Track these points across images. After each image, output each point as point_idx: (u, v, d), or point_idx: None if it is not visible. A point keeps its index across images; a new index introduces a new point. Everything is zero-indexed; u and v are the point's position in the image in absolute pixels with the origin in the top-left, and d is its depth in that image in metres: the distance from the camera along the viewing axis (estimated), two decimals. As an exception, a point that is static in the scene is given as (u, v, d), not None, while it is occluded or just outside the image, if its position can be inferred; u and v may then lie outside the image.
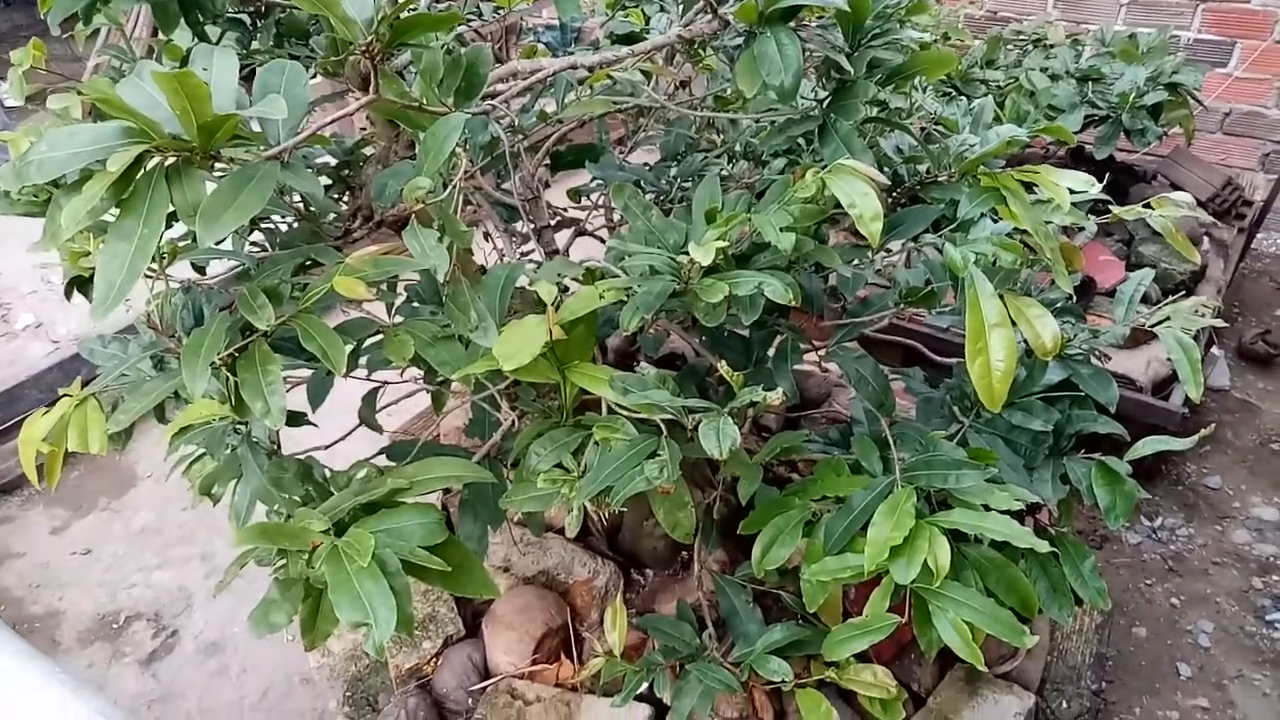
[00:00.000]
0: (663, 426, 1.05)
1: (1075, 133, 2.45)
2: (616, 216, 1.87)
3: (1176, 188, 2.89)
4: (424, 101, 0.97)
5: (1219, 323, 1.29)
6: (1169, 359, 1.29)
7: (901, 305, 1.13)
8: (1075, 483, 1.22)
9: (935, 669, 1.58)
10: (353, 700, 1.80)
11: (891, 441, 1.15)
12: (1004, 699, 1.52)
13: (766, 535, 1.15)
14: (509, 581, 1.78)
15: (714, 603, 1.36)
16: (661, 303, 1.03)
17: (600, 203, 1.82)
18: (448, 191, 0.93)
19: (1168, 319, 1.29)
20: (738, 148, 1.95)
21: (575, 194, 1.91)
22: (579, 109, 1.24)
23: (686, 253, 1.09)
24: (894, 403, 1.19)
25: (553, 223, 1.63)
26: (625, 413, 1.09)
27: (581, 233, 1.75)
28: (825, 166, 1.07)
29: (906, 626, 1.21)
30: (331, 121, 0.89)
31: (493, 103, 1.06)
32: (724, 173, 1.90)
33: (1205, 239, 2.83)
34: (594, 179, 1.87)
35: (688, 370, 1.64)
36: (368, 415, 1.46)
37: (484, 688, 1.58)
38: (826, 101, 1.12)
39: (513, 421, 1.36)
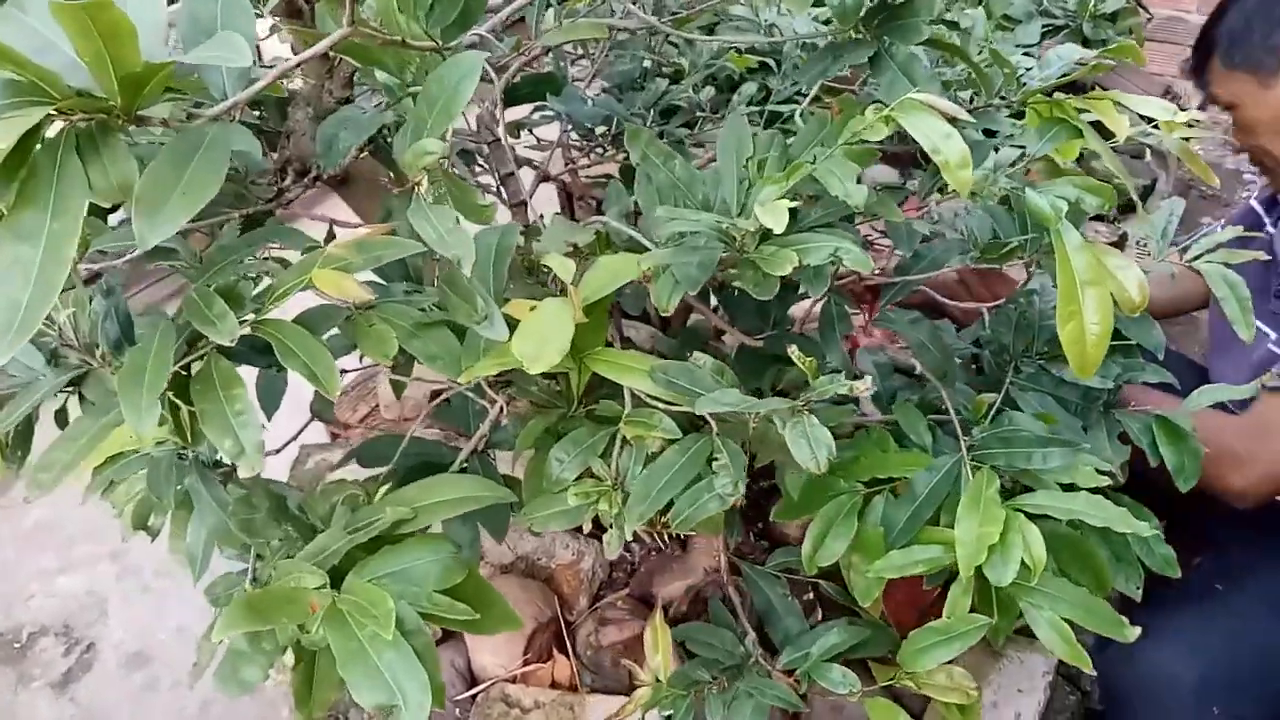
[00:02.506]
0: (710, 420, 0.89)
1: (1033, 45, 2.34)
2: (584, 159, 1.66)
3: (1116, 100, 2.83)
4: (406, 36, 0.75)
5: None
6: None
7: (976, 260, 0.98)
8: (1135, 441, 1.12)
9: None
10: (313, 713, 1.62)
11: (952, 412, 1.01)
12: (1029, 658, 1.45)
13: (817, 527, 1.01)
14: (485, 571, 1.61)
15: (741, 593, 1.23)
16: (708, 275, 0.86)
17: (562, 141, 1.60)
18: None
19: (1208, 252, 1.19)
20: (693, 72, 1.76)
21: (516, 129, 1.68)
22: (564, 34, 1.03)
23: (729, 213, 0.92)
24: (956, 371, 1.06)
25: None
26: (656, 402, 0.93)
27: (545, 179, 1.53)
28: (874, 101, 0.91)
29: (926, 593, 1.10)
30: (297, 65, 0.67)
31: (480, 33, 0.85)
32: (686, 100, 1.71)
33: (1148, 151, 2.79)
34: (536, 111, 1.65)
35: (687, 334, 1.48)
36: (323, 408, 1.25)
37: (473, 696, 1.42)
38: (876, 21, 0.94)
39: (500, 407, 1.17)
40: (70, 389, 1.29)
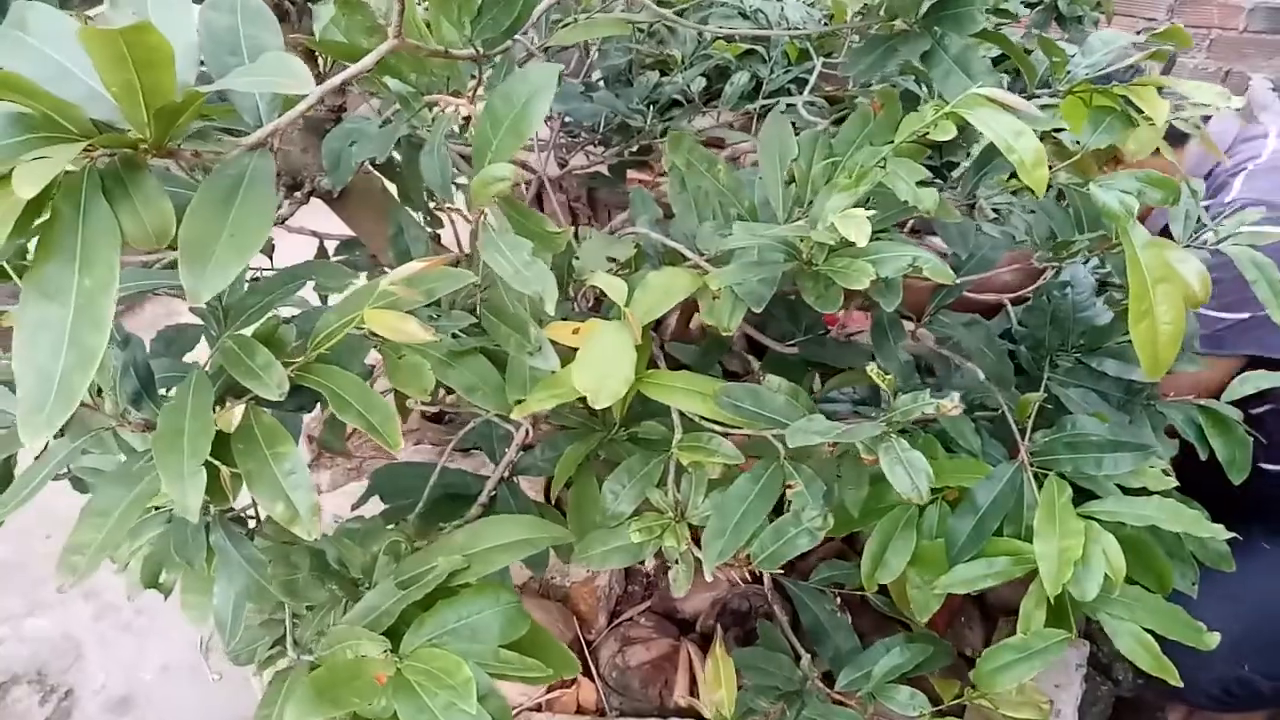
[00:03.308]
0: (777, 444, 0.83)
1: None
2: (575, 159, 1.59)
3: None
4: (448, 46, 0.68)
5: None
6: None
7: (1041, 259, 0.94)
8: (1181, 433, 1.10)
9: (982, 629, 1.48)
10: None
11: (1010, 417, 0.97)
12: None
13: (875, 542, 0.97)
14: (497, 595, 1.54)
15: (787, 608, 1.18)
16: (772, 291, 0.81)
17: (556, 141, 1.53)
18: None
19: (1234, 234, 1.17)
20: (685, 62, 1.70)
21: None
22: (583, 31, 0.96)
23: (775, 219, 0.87)
24: (1012, 375, 1.02)
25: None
26: (709, 423, 0.87)
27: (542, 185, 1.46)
28: (922, 95, 0.86)
29: (956, 596, 1.07)
30: (343, 83, 0.59)
31: (518, 38, 0.78)
32: (681, 93, 1.65)
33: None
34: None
35: (711, 342, 1.42)
36: (331, 440, 1.17)
37: (497, 729, 1.35)
38: (927, 11, 0.89)
39: (526, 431, 1.11)
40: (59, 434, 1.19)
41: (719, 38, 1.64)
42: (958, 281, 1.02)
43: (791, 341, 1.13)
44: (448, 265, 0.66)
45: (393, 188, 1.19)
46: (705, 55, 1.67)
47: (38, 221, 0.52)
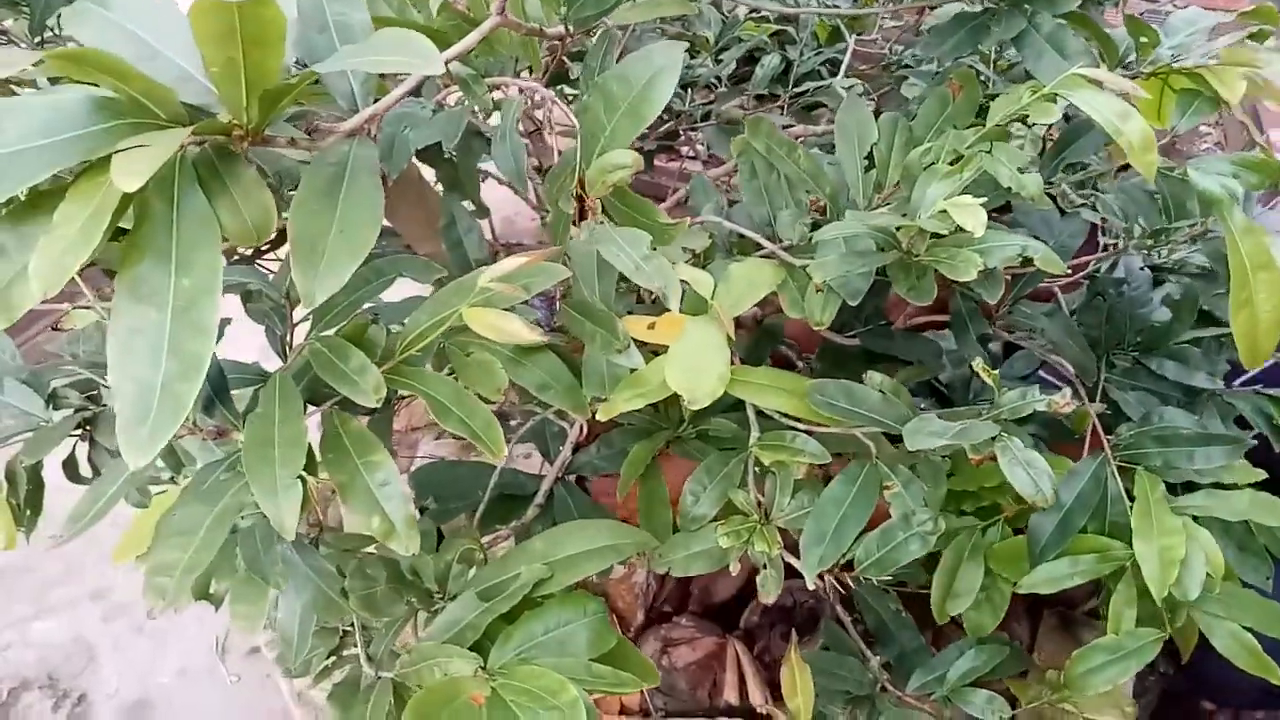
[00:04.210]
0: (868, 442, 0.80)
1: None
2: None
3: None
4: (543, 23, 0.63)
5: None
6: None
7: (1138, 246, 0.91)
8: (1251, 423, 1.07)
9: (1029, 621, 1.45)
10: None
11: (1092, 411, 0.94)
12: (1108, 643, 1.41)
13: (949, 562, 0.93)
14: (533, 594, 1.50)
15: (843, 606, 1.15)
16: (869, 283, 0.77)
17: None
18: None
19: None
20: (716, 44, 1.65)
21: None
22: (644, 10, 0.91)
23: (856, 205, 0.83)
24: (1095, 366, 0.98)
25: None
26: (788, 419, 0.84)
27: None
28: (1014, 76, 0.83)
29: None
30: (449, 61, 0.55)
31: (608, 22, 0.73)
32: (713, 76, 1.61)
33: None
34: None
35: (763, 331, 1.38)
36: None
37: (540, 732, 1.32)
38: (1012, -12, 0.85)
39: (581, 428, 1.07)
40: (78, 433, 1.14)
41: (750, 18, 1.59)
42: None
43: (851, 332, 1.09)
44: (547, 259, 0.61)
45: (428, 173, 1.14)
46: (736, 37, 1.62)
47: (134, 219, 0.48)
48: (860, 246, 0.76)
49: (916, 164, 0.77)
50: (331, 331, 0.62)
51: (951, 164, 0.78)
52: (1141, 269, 1.12)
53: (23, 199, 0.48)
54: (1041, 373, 1.20)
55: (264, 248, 0.98)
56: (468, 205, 1.04)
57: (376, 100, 0.56)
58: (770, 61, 1.62)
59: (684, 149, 1.76)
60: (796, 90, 1.45)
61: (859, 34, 1.58)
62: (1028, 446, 0.69)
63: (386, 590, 0.72)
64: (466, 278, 0.62)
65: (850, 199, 0.88)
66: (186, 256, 0.47)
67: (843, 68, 1.44)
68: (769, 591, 0.79)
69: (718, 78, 1.59)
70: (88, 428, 1.11)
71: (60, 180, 0.47)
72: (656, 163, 1.75)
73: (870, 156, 0.88)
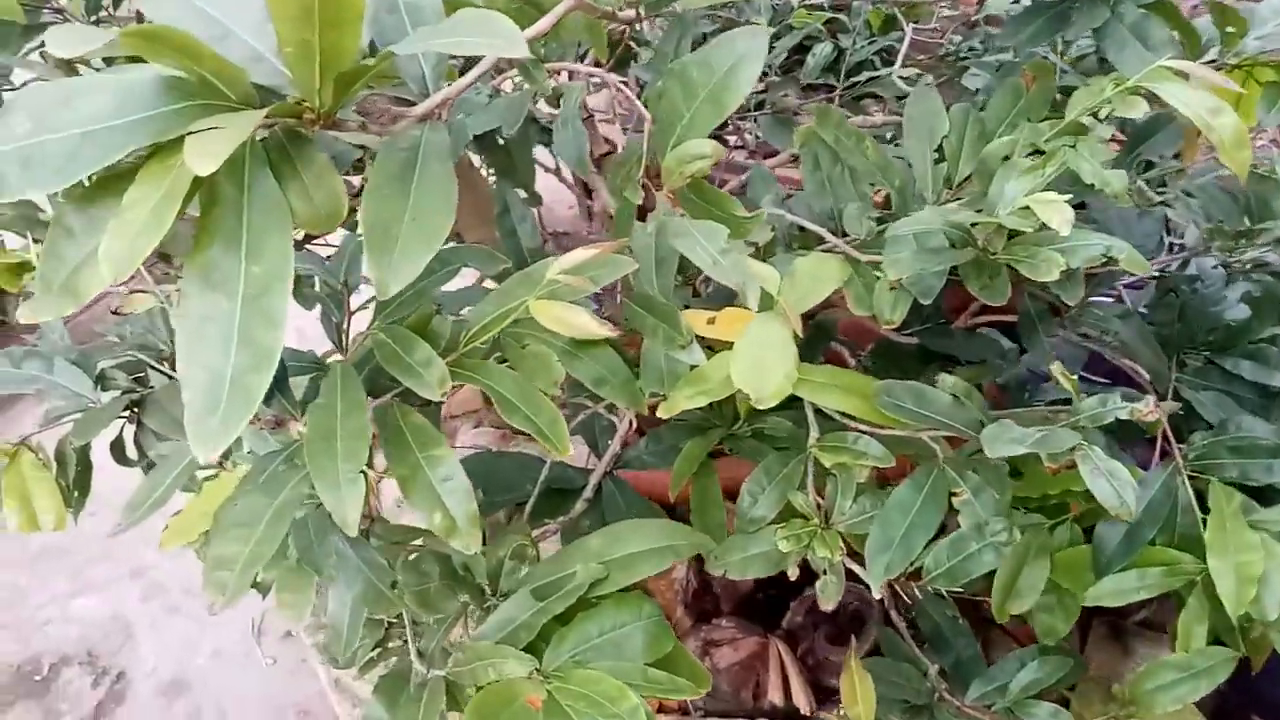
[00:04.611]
0: (934, 445, 0.77)
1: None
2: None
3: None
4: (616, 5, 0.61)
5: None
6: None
7: (1221, 248, 0.87)
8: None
9: (1077, 629, 1.42)
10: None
11: (1163, 417, 0.91)
12: (1159, 653, 1.38)
13: (1006, 570, 0.89)
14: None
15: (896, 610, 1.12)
16: (943, 282, 0.74)
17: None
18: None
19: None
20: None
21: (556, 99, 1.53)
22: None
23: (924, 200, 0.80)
24: (1168, 371, 0.95)
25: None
26: (849, 419, 0.81)
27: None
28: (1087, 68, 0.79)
29: None
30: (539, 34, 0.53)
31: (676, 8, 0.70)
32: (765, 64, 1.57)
33: None
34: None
35: (814, 327, 1.35)
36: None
37: (578, 727, 1.31)
38: (1095, -24, 0.82)
39: (630, 422, 1.05)
40: (126, 414, 1.14)
41: (803, 5, 1.56)
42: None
43: (910, 330, 1.06)
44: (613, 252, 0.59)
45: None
46: (787, 25, 1.59)
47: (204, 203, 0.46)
48: (933, 243, 0.73)
49: (995, 158, 0.74)
50: (395, 321, 0.61)
51: (1030, 158, 0.75)
52: (1214, 267, 1.09)
53: (88, 181, 0.47)
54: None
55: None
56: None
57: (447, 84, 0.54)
58: (823, 50, 1.59)
59: (731, 139, 1.73)
60: (853, 80, 1.42)
61: (915, 22, 1.54)
62: (1110, 455, 0.66)
63: (440, 586, 0.71)
64: (533, 269, 0.60)
65: (917, 192, 0.85)
66: (257, 242, 0.46)
67: (899, 57, 1.40)
68: (829, 598, 0.76)
69: (769, 66, 1.56)
70: (135, 410, 1.11)
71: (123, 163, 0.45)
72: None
73: (939, 149, 0.86)
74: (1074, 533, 0.96)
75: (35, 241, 0.81)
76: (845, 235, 0.84)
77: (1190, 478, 0.89)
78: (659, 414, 0.73)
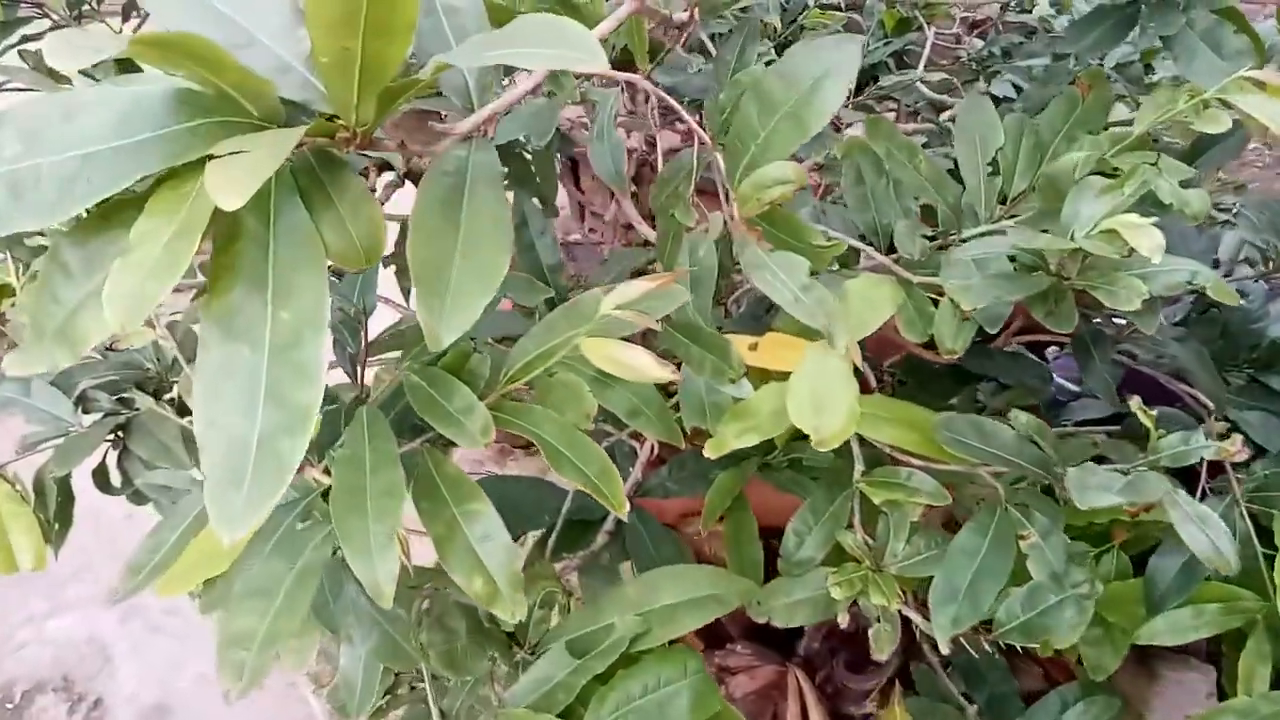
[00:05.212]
0: (995, 483, 0.72)
1: None
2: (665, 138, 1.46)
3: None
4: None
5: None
6: None
7: None
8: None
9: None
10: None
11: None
12: (1186, 677, 1.33)
13: None
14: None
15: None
16: (1011, 310, 0.69)
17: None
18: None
19: None
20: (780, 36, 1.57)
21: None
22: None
23: (976, 216, 0.75)
24: (1225, 395, 0.90)
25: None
26: (899, 452, 0.76)
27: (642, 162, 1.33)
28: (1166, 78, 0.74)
29: None
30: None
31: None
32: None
33: None
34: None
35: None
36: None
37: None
38: (1161, -20, 0.77)
39: (652, 448, 0.99)
40: (111, 438, 1.07)
41: (817, 4, 1.50)
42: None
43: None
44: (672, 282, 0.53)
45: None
46: (800, 25, 1.53)
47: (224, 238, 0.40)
48: (995, 268, 0.68)
49: (1065, 175, 0.68)
50: (429, 360, 0.55)
51: (1097, 174, 0.70)
52: (1256, 282, 1.05)
53: (89, 210, 0.40)
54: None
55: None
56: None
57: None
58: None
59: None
60: (880, 86, 1.36)
61: (933, 24, 1.49)
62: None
63: (468, 645, 0.65)
64: (580, 301, 0.54)
65: (968, 207, 0.80)
66: (285, 282, 0.39)
67: (922, 60, 1.35)
68: (882, 649, 0.71)
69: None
70: (119, 433, 1.04)
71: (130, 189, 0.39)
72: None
73: (992, 162, 0.80)
74: (1121, 562, 0.92)
75: (14, 260, 0.74)
76: (893, 254, 0.79)
77: (1248, 507, 0.85)
78: (706, 453, 0.67)
